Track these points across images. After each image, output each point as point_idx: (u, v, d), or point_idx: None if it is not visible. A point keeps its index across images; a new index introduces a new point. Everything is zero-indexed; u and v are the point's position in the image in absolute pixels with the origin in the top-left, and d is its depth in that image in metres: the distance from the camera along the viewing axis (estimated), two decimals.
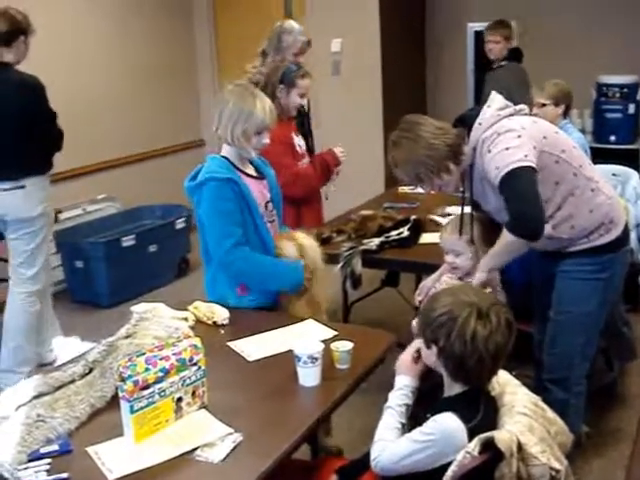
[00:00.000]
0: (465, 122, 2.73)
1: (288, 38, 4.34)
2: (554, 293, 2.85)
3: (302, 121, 4.39)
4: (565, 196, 2.70)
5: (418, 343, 2.10)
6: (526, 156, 2.55)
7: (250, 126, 2.87)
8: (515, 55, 5.60)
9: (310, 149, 4.36)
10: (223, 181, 2.84)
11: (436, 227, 3.47)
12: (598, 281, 2.81)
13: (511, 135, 2.60)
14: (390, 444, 1.98)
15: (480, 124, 2.67)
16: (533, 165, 2.56)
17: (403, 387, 2.11)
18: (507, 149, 2.56)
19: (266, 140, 2.93)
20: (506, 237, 2.63)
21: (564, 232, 2.74)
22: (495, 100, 2.74)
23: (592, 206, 2.74)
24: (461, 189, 2.88)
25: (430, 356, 2.01)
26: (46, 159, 4.19)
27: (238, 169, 2.95)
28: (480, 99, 5.32)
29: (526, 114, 2.77)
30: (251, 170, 3.03)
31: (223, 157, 2.96)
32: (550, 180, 2.65)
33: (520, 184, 2.56)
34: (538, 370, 3.03)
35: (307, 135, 4.44)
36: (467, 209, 2.98)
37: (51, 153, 4.20)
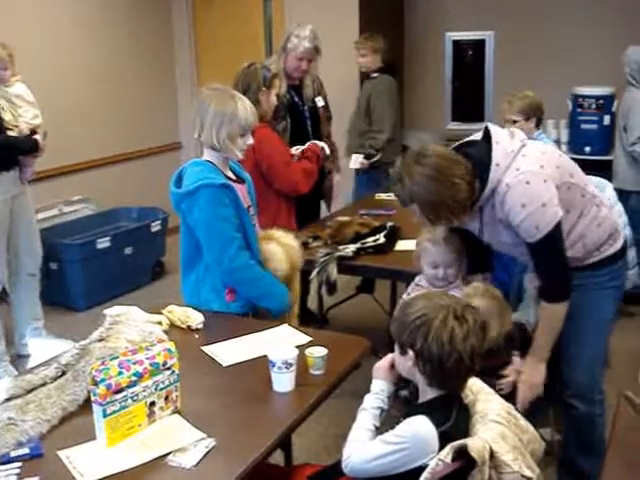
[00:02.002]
0: (469, 157, 2.59)
1: (294, 40, 4.38)
2: (570, 308, 2.75)
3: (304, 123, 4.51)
4: (576, 220, 2.69)
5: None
6: (556, 205, 2.56)
7: (235, 128, 2.86)
8: (389, 68, 5.77)
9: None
10: (219, 187, 2.83)
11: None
12: (613, 289, 2.82)
13: (538, 181, 2.54)
14: (362, 445, 1.99)
15: (498, 165, 2.55)
16: (561, 214, 2.58)
17: (379, 391, 2.12)
18: (544, 205, 2.52)
19: (250, 140, 2.94)
20: (548, 312, 2.66)
21: (578, 251, 2.73)
22: (500, 134, 2.64)
23: (599, 220, 2.74)
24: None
25: (406, 362, 2.01)
26: None
27: (222, 174, 2.95)
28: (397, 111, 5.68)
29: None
30: (231, 175, 3.03)
31: (208, 162, 2.94)
32: (563, 209, 2.62)
33: (557, 245, 2.60)
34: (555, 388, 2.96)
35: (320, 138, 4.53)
36: None
37: None
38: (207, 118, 2.86)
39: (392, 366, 2.14)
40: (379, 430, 2.06)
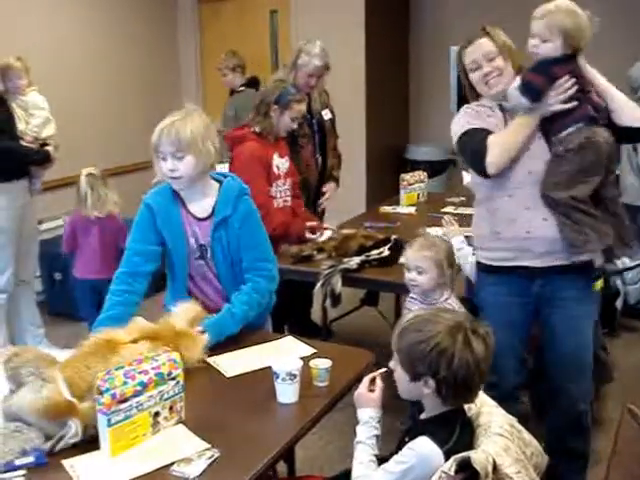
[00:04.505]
0: None
1: (304, 58, 4.41)
2: (572, 320, 2.83)
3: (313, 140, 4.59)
4: None
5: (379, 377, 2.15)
6: None
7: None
8: (253, 83, 6.03)
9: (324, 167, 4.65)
10: (143, 205, 2.92)
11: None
12: (595, 294, 2.97)
13: None
14: (367, 478, 1.97)
15: None
16: None
17: (369, 419, 2.09)
18: None
19: (170, 166, 2.75)
20: None
21: None
22: None
23: None
24: None
25: (417, 388, 1.95)
26: None
27: (173, 198, 2.88)
28: None
29: None
30: (199, 209, 2.86)
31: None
32: None
33: None
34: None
35: (323, 155, 4.64)
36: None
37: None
38: None
39: (371, 390, 2.12)
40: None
